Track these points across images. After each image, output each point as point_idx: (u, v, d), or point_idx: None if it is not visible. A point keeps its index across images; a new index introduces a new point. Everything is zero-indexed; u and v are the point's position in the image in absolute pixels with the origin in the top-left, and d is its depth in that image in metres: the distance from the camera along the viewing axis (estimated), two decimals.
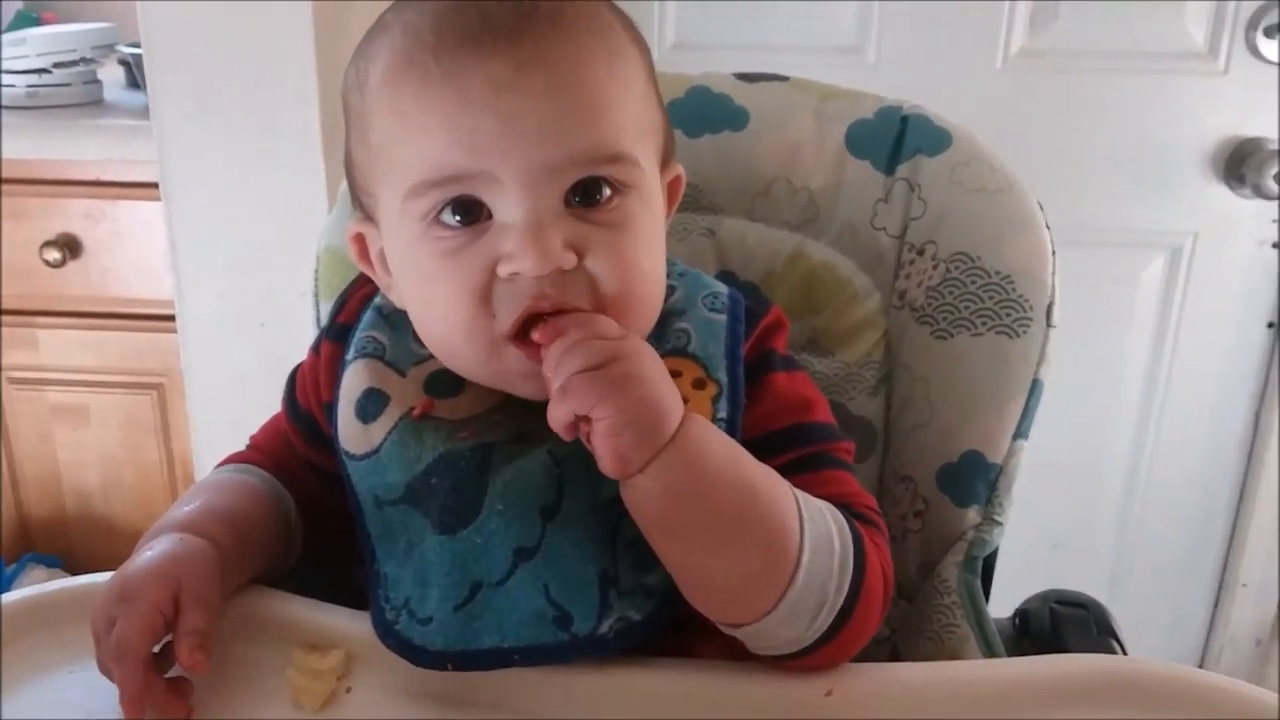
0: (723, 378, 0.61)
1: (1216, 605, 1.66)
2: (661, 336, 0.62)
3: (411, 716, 0.58)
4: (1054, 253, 0.75)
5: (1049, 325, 0.73)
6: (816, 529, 0.55)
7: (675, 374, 0.59)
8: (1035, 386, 0.73)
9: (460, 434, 0.60)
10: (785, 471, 0.59)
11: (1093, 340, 1.52)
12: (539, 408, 0.56)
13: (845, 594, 0.56)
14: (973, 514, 0.74)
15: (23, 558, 1.64)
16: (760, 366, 0.63)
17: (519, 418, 0.60)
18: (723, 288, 0.67)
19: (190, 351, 1.38)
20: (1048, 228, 0.75)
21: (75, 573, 1.63)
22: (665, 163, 0.66)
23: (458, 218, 0.57)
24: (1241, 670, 1.64)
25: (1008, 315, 0.73)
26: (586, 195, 0.57)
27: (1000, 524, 0.73)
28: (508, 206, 0.56)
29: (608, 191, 0.58)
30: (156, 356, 1.54)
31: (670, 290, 0.65)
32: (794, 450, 0.62)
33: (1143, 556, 1.64)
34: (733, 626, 0.56)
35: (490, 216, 0.57)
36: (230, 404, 1.36)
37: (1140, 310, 1.53)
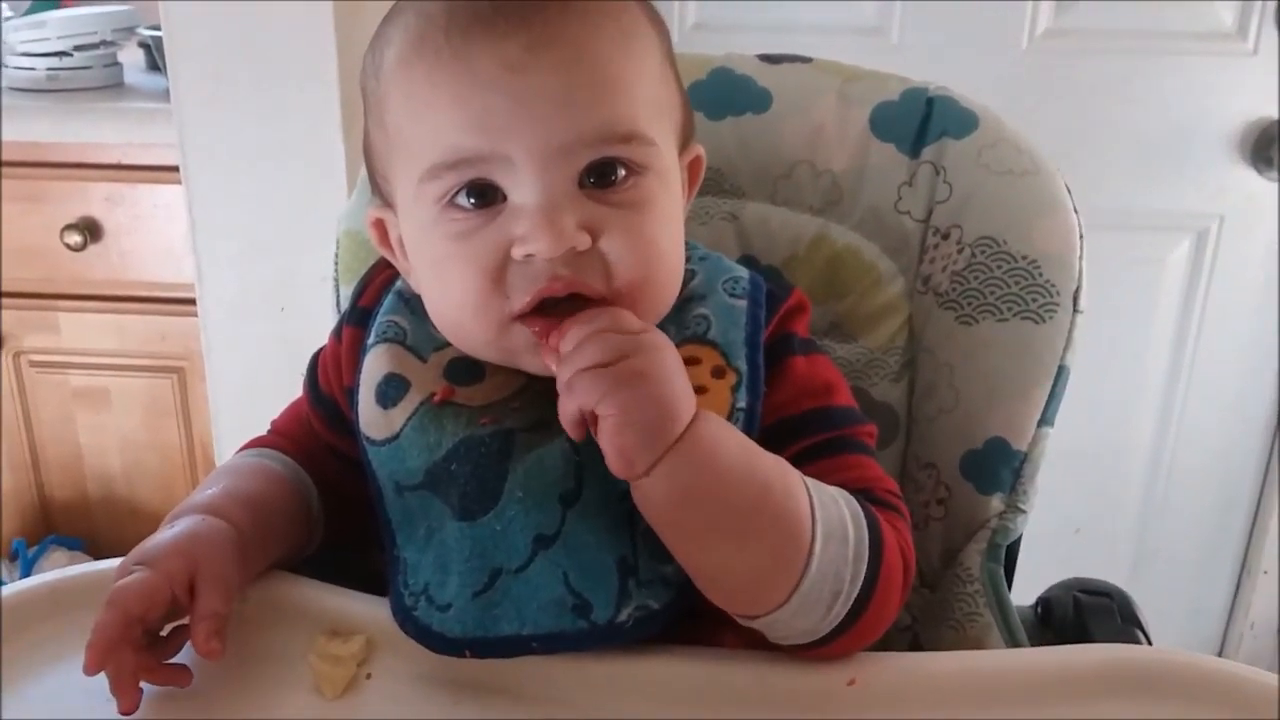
0: (742, 365, 0.60)
1: (1237, 591, 1.65)
2: (681, 321, 0.62)
3: (432, 703, 0.58)
4: (1082, 236, 0.74)
5: (1076, 311, 0.72)
6: (829, 519, 0.55)
7: (694, 361, 0.59)
8: (1061, 373, 0.72)
9: (480, 420, 0.60)
10: (804, 457, 0.59)
11: (1117, 323, 1.50)
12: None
13: (861, 582, 0.55)
14: (996, 501, 0.73)
15: (45, 540, 1.66)
16: (779, 350, 0.63)
17: (539, 405, 0.60)
18: (744, 272, 0.66)
19: (211, 335, 1.38)
20: (1076, 211, 0.74)
21: (97, 555, 1.66)
22: (685, 144, 0.65)
23: (472, 200, 0.57)
24: (1262, 657, 1.63)
25: (1034, 300, 0.72)
26: (601, 176, 0.57)
27: (1024, 512, 0.73)
28: (521, 188, 0.56)
29: (622, 172, 0.57)
30: (177, 340, 1.54)
31: (690, 274, 0.64)
32: (813, 435, 0.61)
33: (1165, 542, 1.63)
34: (747, 618, 0.56)
35: (504, 199, 0.57)
36: (251, 388, 1.37)
37: (1165, 293, 1.52)
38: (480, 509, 0.58)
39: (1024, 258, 0.73)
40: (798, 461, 0.59)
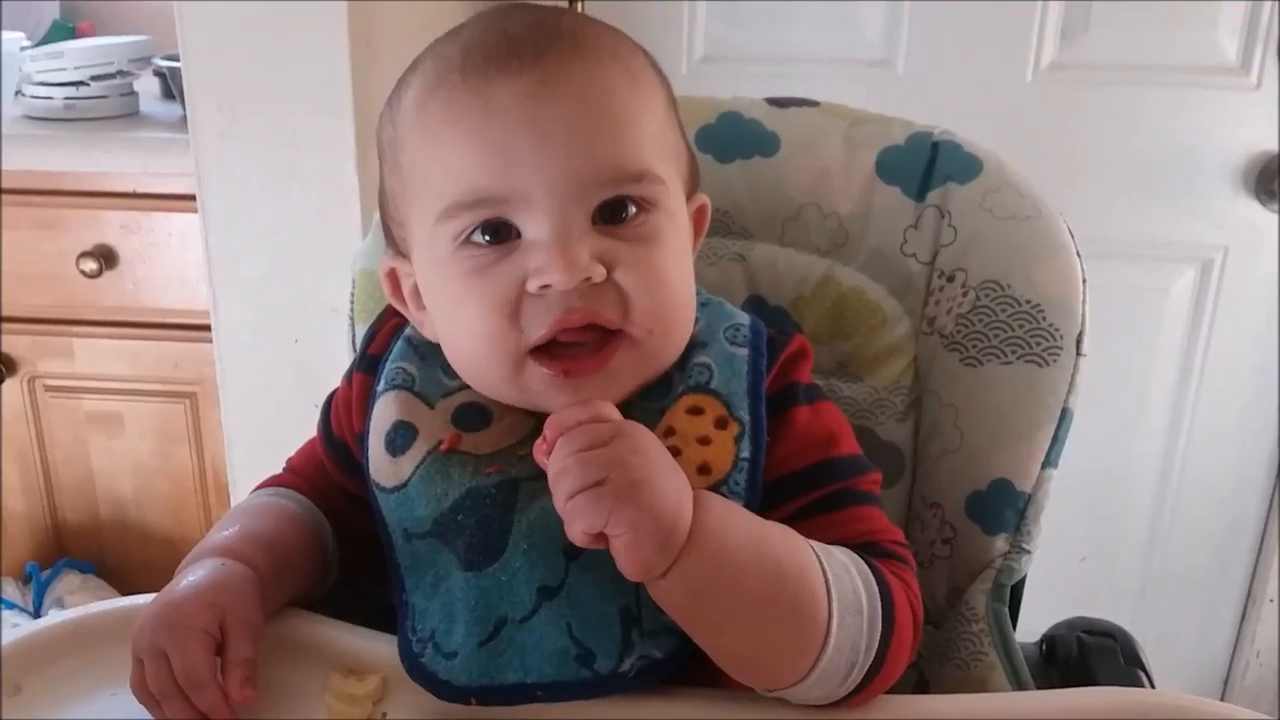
0: (745, 416, 0.61)
1: (1243, 620, 1.65)
2: (684, 370, 0.63)
3: None
4: (1085, 280, 0.75)
5: (1079, 354, 0.73)
6: (843, 591, 0.55)
7: (697, 411, 0.60)
8: (1065, 415, 0.73)
9: (486, 469, 0.61)
10: (809, 511, 0.60)
11: (1122, 353, 1.51)
12: None
13: (875, 649, 0.56)
14: (1001, 542, 0.74)
15: (57, 563, 1.67)
16: (783, 401, 0.63)
17: None
18: (745, 318, 0.67)
19: (225, 363, 1.40)
20: (1079, 254, 0.75)
21: (108, 578, 1.67)
22: (691, 191, 0.66)
23: (487, 237, 0.58)
24: (1267, 685, 1.63)
25: (1038, 344, 0.73)
26: (613, 214, 0.58)
27: (1029, 552, 0.74)
28: (536, 224, 0.57)
29: (634, 209, 0.59)
30: (190, 366, 1.56)
31: (694, 320, 0.65)
32: (818, 489, 0.61)
33: (1170, 571, 1.63)
34: (765, 690, 0.57)
35: (518, 236, 0.58)
36: (263, 415, 1.38)
37: (1169, 323, 1.53)
38: (486, 560, 0.59)
39: (1027, 301, 0.74)
40: (803, 516, 0.60)
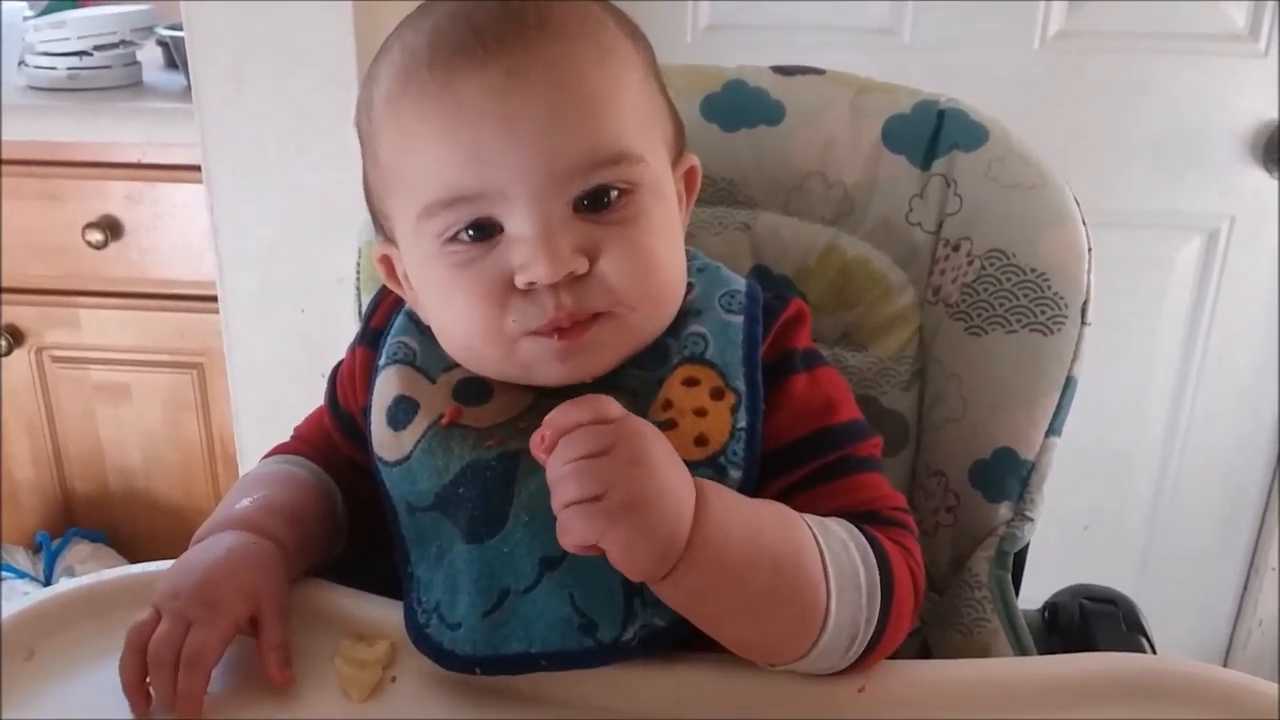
0: (741, 385, 0.61)
1: (1245, 589, 1.66)
2: (679, 339, 0.63)
3: (456, 706, 0.59)
4: (1090, 249, 0.75)
5: (1084, 323, 0.74)
6: (841, 569, 0.56)
7: (693, 382, 0.60)
8: (1069, 384, 0.74)
9: (487, 443, 0.61)
10: (809, 482, 0.60)
11: (1127, 322, 1.51)
12: None
13: (876, 622, 0.57)
14: (1004, 510, 0.74)
15: (67, 532, 1.68)
16: (780, 370, 0.63)
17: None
18: (741, 284, 0.66)
19: (232, 333, 1.40)
20: (1084, 223, 0.75)
21: (118, 547, 1.69)
22: (678, 155, 0.66)
23: (470, 234, 0.59)
24: (1269, 654, 1.65)
25: (1042, 313, 0.74)
26: (594, 201, 0.58)
27: (1032, 520, 0.74)
28: (517, 219, 0.57)
29: (615, 193, 0.58)
30: (196, 336, 1.56)
31: (688, 287, 0.65)
32: (817, 459, 0.61)
33: (1173, 539, 1.64)
34: (768, 666, 0.58)
35: (502, 230, 0.58)
36: (271, 385, 1.38)
37: (1175, 292, 1.52)
38: (487, 532, 0.60)
39: (1032, 270, 0.74)
40: (803, 486, 0.61)
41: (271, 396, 1.37)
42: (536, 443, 0.52)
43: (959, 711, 0.58)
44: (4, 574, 1.60)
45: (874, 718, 0.57)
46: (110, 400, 1.65)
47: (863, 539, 0.58)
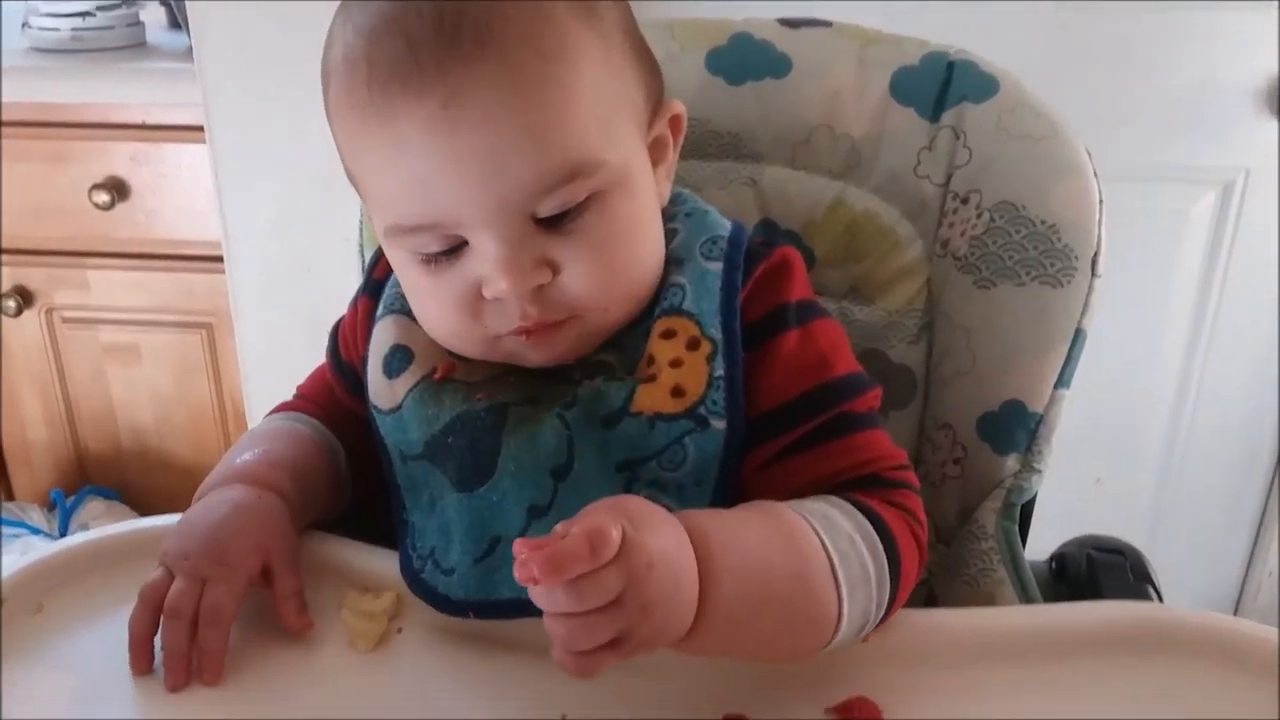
0: (717, 334, 0.60)
1: (1256, 542, 1.66)
2: (660, 289, 0.62)
3: (462, 655, 0.60)
4: (1101, 201, 0.74)
5: (1094, 275, 0.73)
6: (850, 571, 0.54)
7: (670, 334, 0.60)
8: (1078, 336, 0.73)
9: (477, 395, 0.62)
10: (807, 443, 0.60)
11: (1141, 276, 1.50)
12: (551, 370, 0.59)
13: (886, 604, 0.56)
14: (1012, 462, 0.74)
15: (81, 490, 1.70)
16: (770, 326, 0.62)
17: (532, 380, 0.62)
18: (725, 229, 0.65)
19: (238, 294, 1.40)
20: (1095, 175, 0.74)
21: (132, 504, 1.70)
22: (656, 107, 0.64)
23: (436, 248, 0.58)
24: (1274, 609, 1.65)
25: (1052, 265, 0.73)
26: (554, 214, 0.57)
27: (1039, 471, 0.74)
28: (477, 239, 0.57)
29: (574, 205, 0.57)
30: (205, 297, 1.57)
31: (671, 234, 0.64)
32: (814, 418, 0.61)
33: (1184, 493, 1.64)
34: None
35: (468, 243, 0.58)
36: (278, 345, 1.39)
37: (1189, 246, 1.51)
38: (476, 481, 0.60)
39: (1042, 222, 0.73)
40: (800, 447, 0.60)
41: (279, 356, 1.37)
42: (522, 573, 0.46)
43: (963, 660, 0.58)
44: (20, 531, 1.61)
45: (878, 669, 0.57)
46: (120, 361, 1.66)
47: (868, 526, 0.57)
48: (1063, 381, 0.74)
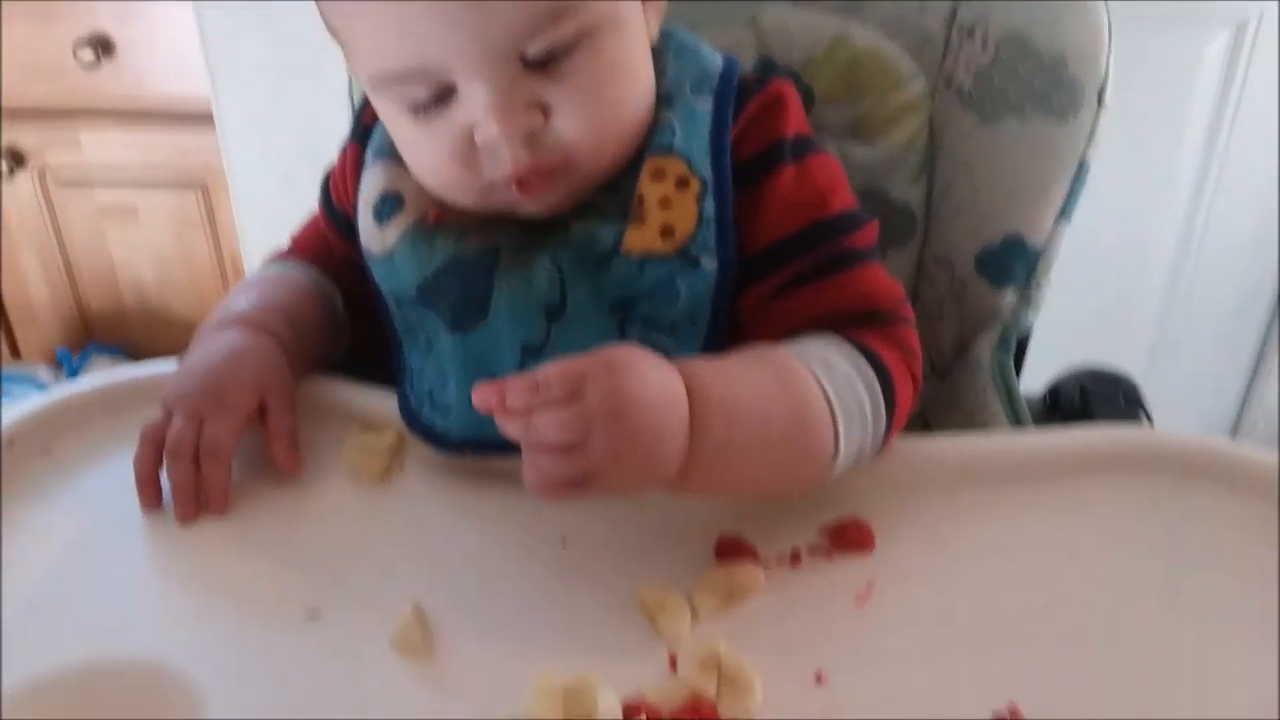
0: (706, 172, 0.59)
1: (1254, 377, 1.67)
2: (650, 130, 0.61)
3: (463, 490, 0.61)
4: (1111, 31, 0.72)
5: (1100, 105, 0.71)
6: (848, 408, 0.55)
7: (660, 174, 0.59)
8: (1081, 168, 0.72)
9: (468, 238, 0.61)
10: (803, 280, 0.60)
11: (1150, 116, 1.46)
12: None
13: (881, 436, 0.57)
14: (1009, 295, 0.74)
15: (86, 347, 1.71)
16: (766, 162, 0.61)
17: (524, 223, 0.61)
18: (717, 63, 0.64)
19: (230, 151, 1.38)
20: (1106, 5, 0.72)
21: (137, 361, 1.71)
22: None
23: (424, 95, 0.57)
24: (1270, 442, 1.67)
25: (1057, 98, 0.71)
26: (544, 55, 0.56)
27: (1036, 306, 0.74)
28: (467, 84, 0.56)
29: (562, 47, 0.56)
30: (198, 154, 1.55)
31: (662, 73, 0.63)
32: (810, 254, 0.60)
33: (1185, 328, 1.63)
34: None
35: (457, 88, 0.56)
36: (274, 201, 1.37)
37: (1200, 87, 1.47)
38: (470, 322, 0.60)
39: (1049, 54, 0.71)
40: (797, 284, 0.60)
41: (275, 211, 1.36)
42: (477, 398, 0.48)
43: (954, 484, 0.59)
44: (28, 389, 1.64)
45: (869, 493, 0.58)
46: (118, 220, 1.65)
47: (865, 365, 0.57)
48: (1065, 215, 0.73)
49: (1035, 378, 0.80)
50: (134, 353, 1.74)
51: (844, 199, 0.63)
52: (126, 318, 1.74)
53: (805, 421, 0.54)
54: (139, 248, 1.67)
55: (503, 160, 0.57)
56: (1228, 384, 1.69)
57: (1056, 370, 0.81)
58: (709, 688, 0.47)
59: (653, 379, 0.49)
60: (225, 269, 1.66)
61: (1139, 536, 0.55)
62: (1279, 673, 0.47)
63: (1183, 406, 1.58)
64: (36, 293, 1.72)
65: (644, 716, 0.44)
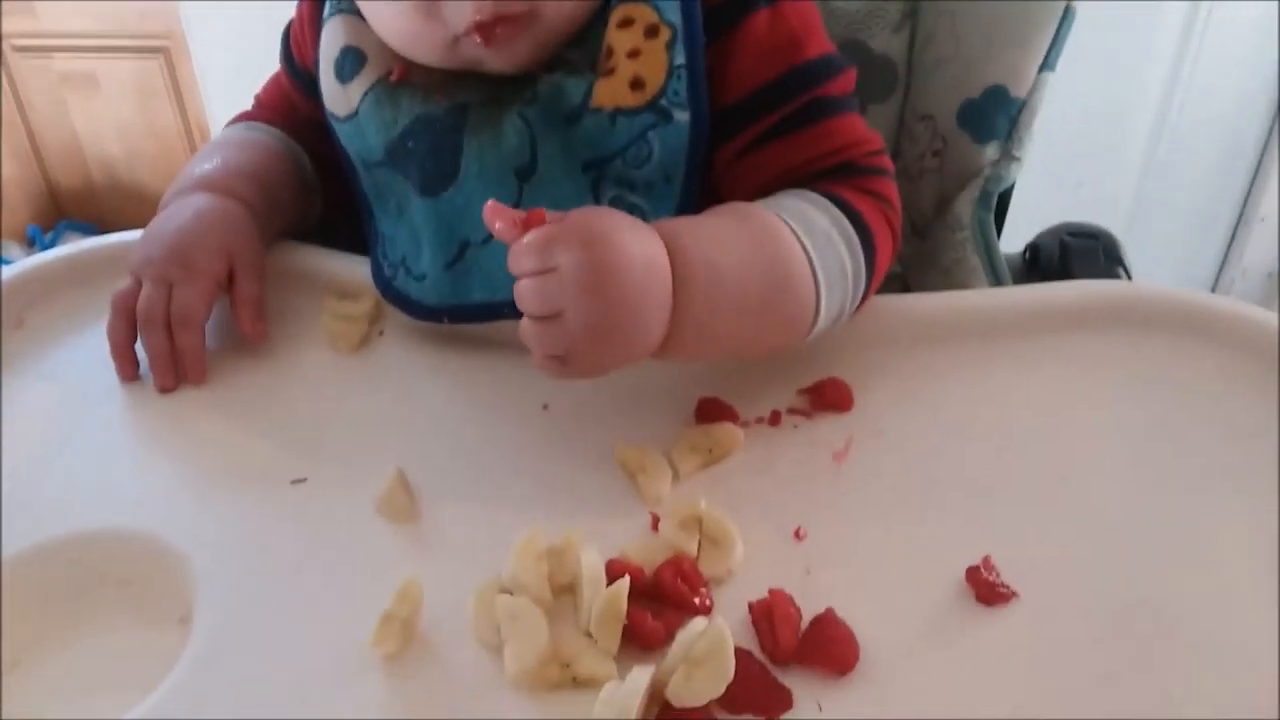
0: (676, 19, 0.57)
1: (1233, 239, 1.67)
2: None
3: (442, 354, 0.61)
4: None
5: None
6: (828, 266, 0.54)
7: (628, 22, 0.57)
8: (1067, 14, 0.69)
9: (435, 96, 0.59)
10: (780, 131, 0.58)
11: None
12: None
13: (861, 294, 0.56)
14: (991, 150, 0.72)
15: (58, 225, 1.69)
16: (739, 7, 0.58)
17: (493, 79, 0.59)
18: None
19: (190, 15, 1.33)
20: None
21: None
22: None
23: None
24: (1249, 300, 1.67)
25: None
26: None
27: (1018, 159, 0.72)
28: None
29: None
30: (157, 18, 1.50)
31: None
32: (787, 104, 0.58)
33: (1165, 195, 1.62)
34: None
35: None
36: (237, 63, 1.32)
37: None
38: (440, 185, 0.59)
39: None
40: (774, 135, 0.58)
41: (239, 75, 1.31)
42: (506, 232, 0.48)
43: (932, 339, 0.59)
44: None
45: (853, 348, 0.58)
46: (79, 90, 1.60)
47: (845, 220, 0.55)
48: (1048, 64, 0.71)
49: (1013, 244, 0.79)
50: (107, 230, 1.69)
51: (820, 44, 0.60)
52: (97, 194, 1.71)
53: (788, 284, 0.53)
54: (103, 120, 1.62)
55: (465, 7, 0.54)
56: (1206, 245, 1.69)
57: (1034, 231, 0.80)
58: (690, 545, 0.48)
59: (634, 247, 0.47)
60: (194, 139, 1.62)
61: (1127, 393, 0.55)
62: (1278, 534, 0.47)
63: (1160, 267, 1.58)
64: (5, 170, 1.68)
65: (627, 575, 0.44)
